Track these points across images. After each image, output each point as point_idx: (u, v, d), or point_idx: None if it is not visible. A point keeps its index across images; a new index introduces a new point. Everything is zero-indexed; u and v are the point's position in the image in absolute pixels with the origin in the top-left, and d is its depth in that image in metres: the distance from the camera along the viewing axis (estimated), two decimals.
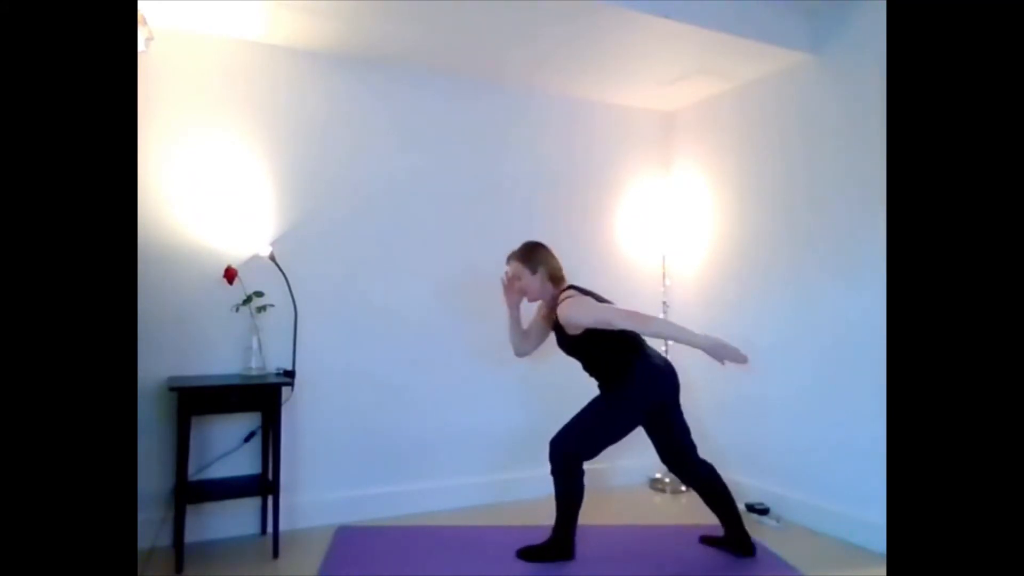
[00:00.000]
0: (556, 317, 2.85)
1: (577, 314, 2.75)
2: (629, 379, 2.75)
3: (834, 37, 3.24)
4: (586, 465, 2.79)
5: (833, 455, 3.16)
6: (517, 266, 2.94)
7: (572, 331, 2.80)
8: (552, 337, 3.00)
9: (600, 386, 2.90)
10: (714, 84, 3.79)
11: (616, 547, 2.99)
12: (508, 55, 3.41)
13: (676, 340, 2.65)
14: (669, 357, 3.01)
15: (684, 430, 2.90)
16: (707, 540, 3.01)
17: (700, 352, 2.60)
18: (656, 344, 4.24)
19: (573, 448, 2.76)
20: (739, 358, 2.56)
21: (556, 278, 2.93)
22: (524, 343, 3.09)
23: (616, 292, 4.00)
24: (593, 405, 2.83)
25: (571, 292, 2.85)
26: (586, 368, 2.91)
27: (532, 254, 2.93)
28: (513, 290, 2.99)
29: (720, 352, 2.57)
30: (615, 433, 2.80)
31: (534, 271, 2.90)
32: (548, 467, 2.80)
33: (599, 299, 2.84)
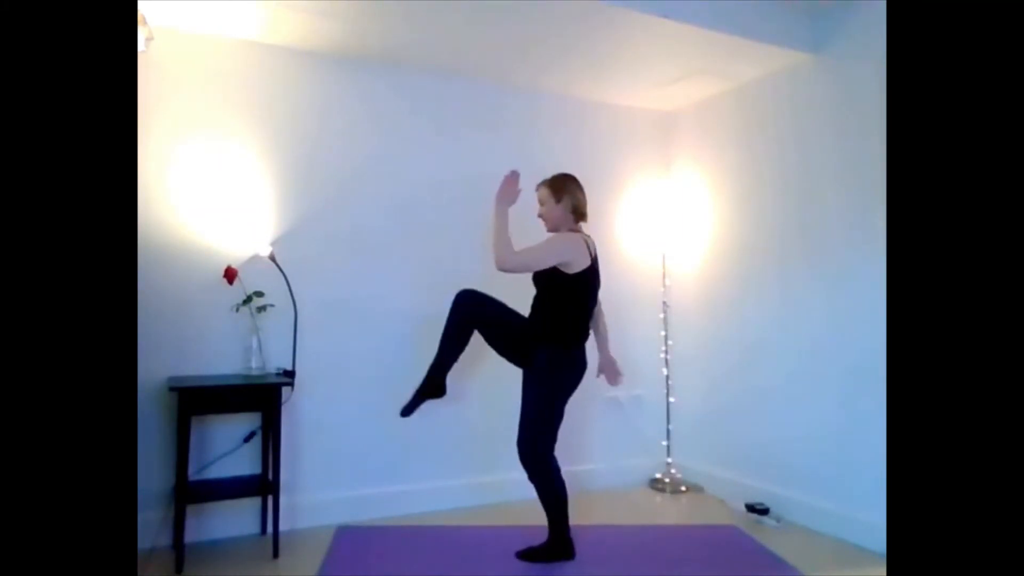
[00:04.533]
0: None
1: (551, 241, 2.78)
2: (570, 342, 2.70)
3: (834, 37, 3.24)
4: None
5: (833, 455, 3.16)
6: (544, 191, 2.92)
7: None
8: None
9: (526, 334, 2.83)
10: (714, 84, 3.79)
11: (616, 547, 2.99)
12: (508, 56, 3.41)
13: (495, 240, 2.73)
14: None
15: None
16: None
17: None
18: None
19: (531, 446, 2.75)
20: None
21: (579, 212, 2.91)
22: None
23: (616, 292, 4.04)
24: (528, 398, 2.78)
25: (581, 234, 2.86)
26: (535, 302, 2.88)
27: (562, 183, 2.90)
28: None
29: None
30: (559, 412, 2.78)
31: (559, 199, 2.87)
32: None
33: (594, 272, 2.82)
